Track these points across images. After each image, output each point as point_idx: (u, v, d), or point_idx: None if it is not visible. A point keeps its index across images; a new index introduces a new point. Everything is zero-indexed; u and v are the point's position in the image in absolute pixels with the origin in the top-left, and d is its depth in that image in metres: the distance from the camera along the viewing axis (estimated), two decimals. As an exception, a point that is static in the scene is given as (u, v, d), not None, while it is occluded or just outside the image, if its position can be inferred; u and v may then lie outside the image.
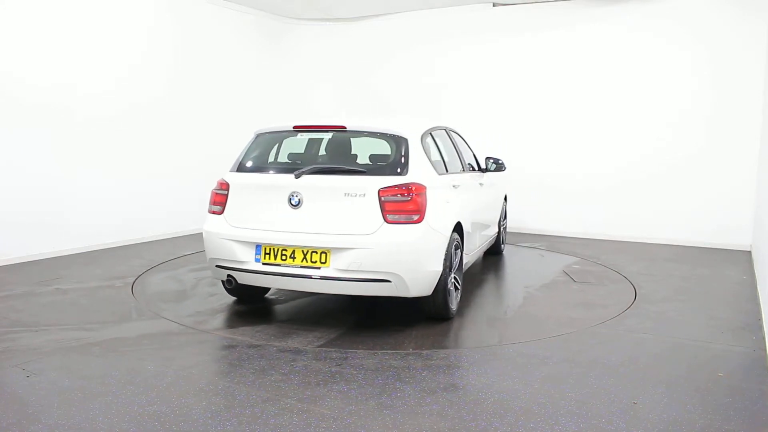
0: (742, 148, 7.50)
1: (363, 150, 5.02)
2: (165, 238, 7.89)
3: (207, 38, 8.56)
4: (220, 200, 4.60)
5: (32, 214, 6.51)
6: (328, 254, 4.17)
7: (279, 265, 4.27)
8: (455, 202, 4.75)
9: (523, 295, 5.53)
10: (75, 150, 6.93)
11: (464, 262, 5.01)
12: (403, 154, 4.42)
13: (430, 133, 5.00)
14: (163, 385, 3.40)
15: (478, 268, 6.51)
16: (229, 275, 4.48)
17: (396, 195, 4.17)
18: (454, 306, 4.64)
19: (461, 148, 5.85)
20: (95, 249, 7.14)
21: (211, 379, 3.48)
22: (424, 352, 3.98)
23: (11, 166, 6.32)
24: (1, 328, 4.33)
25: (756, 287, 5.68)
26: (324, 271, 4.17)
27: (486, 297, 5.48)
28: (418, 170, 4.39)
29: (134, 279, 5.83)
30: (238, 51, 9.10)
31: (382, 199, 4.15)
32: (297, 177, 4.32)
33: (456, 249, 4.67)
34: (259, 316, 4.79)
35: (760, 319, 4.67)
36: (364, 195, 4.17)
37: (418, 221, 4.17)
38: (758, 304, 5.10)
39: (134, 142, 7.57)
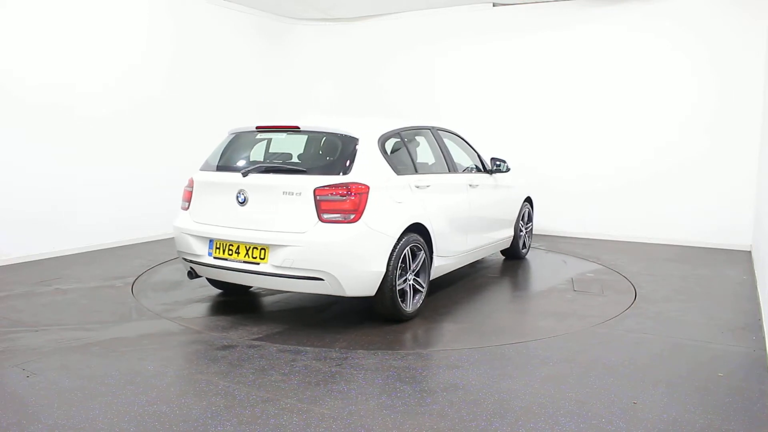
0: (743, 148, 7.50)
1: (321, 149, 5.04)
2: (165, 237, 7.88)
3: (206, 38, 8.56)
4: (187, 197, 4.89)
5: (32, 214, 6.51)
6: (266, 251, 4.28)
7: (226, 259, 4.46)
8: (413, 203, 4.66)
9: (504, 302, 5.39)
10: (75, 150, 6.93)
11: (437, 264, 4.95)
12: (348, 153, 4.45)
13: (399, 134, 4.99)
14: (163, 385, 3.40)
15: (488, 272, 6.41)
16: (190, 267, 4.74)
17: (332, 194, 4.21)
18: (409, 308, 4.57)
19: (454, 149, 5.80)
20: (95, 249, 7.14)
21: (211, 379, 3.48)
22: (424, 352, 3.98)
23: (11, 166, 6.32)
24: (1, 328, 4.33)
25: (756, 287, 5.68)
26: (262, 267, 4.29)
27: (464, 302, 5.26)
28: (365, 170, 4.38)
29: (134, 279, 5.83)
30: (237, 51, 9.10)
31: (318, 198, 4.21)
32: (244, 175, 4.49)
33: (418, 250, 4.63)
34: (225, 308, 4.99)
35: (760, 319, 4.67)
36: (300, 194, 4.26)
37: (354, 221, 4.19)
38: (758, 304, 5.10)
39: (134, 142, 7.57)
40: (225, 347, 4.01)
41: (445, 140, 5.72)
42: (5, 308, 4.80)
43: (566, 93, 8.50)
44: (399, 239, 4.41)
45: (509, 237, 6.60)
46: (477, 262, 6.73)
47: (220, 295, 5.34)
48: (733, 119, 7.56)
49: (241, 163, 4.78)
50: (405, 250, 4.46)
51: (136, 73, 7.58)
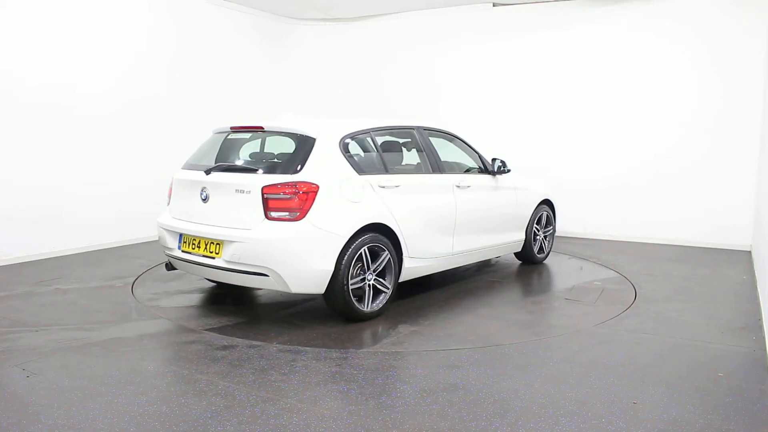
0: (743, 148, 7.50)
1: (281, 149, 5.11)
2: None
3: (206, 38, 8.56)
4: (169, 194, 5.15)
5: (32, 214, 6.52)
6: (220, 246, 4.45)
7: (190, 253, 4.69)
8: (374, 203, 4.62)
9: (481, 307, 5.08)
10: (75, 150, 6.94)
11: (410, 265, 4.90)
12: (303, 153, 4.50)
13: (370, 134, 5.00)
14: (163, 385, 3.40)
15: (490, 275, 6.22)
16: (168, 260, 5.05)
17: (279, 193, 4.29)
18: (367, 308, 4.55)
19: (450, 150, 5.73)
20: (95, 249, 7.15)
21: (211, 379, 3.48)
22: (423, 351, 3.98)
23: (11, 165, 6.33)
24: (1, 328, 4.33)
25: (756, 287, 5.68)
26: (216, 261, 4.48)
27: (439, 304, 5.11)
28: (317, 169, 4.41)
29: (134, 279, 5.83)
30: (237, 51, 9.10)
31: (265, 196, 4.31)
32: (207, 174, 4.70)
33: (381, 251, 4.61)
34: (203, 301, 5.22)
35: (760, 319, 4.68)
36: (250, 192, 4.38)
37: (298, 219, 4.24)
38: (758, 304, 5.10)
39: (134, 142, 7.58)
40: (225, 347, 4.01)
41: (437, 140, 5.63)
42: (5, 308, 4.81)
43: (566, 93, 8.50)
44: (352, 239, 4.41)
45: (519, 240, 6.37)
46: (485, 264, 6.68)
47: (213, 288, 5.56)
48: (734, 119, 7.56)
49: (209, 162, 4.92)
50: (361, 250, 4.46)
51: (136, 73, 7.58)
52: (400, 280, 4.90)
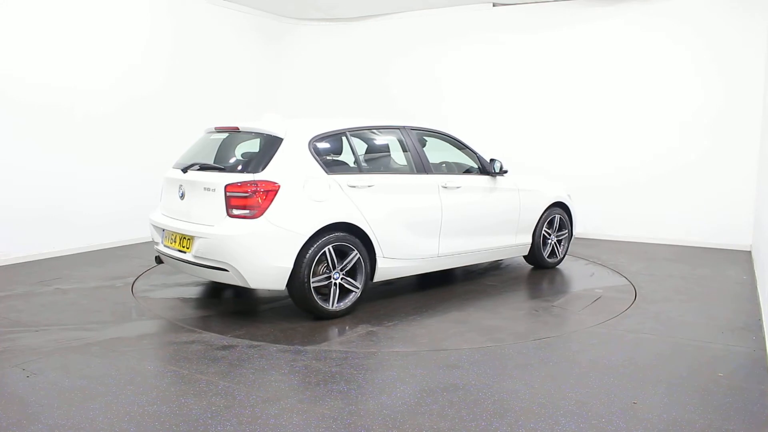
0: (743, 148, 7.50)
1: (251, 148, 5.14)
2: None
3: (206, 38, 8.56)
4: (161, 191, 5.32)
5: (32, 213, 6.52)
6: (191, 241, 4.62)
7: (169, 247, 4.88)
8: (341, 202, 4.62)
9: (456, 311, 4.91)
10: (75, 149, 6.94)
11: (387, 266, 4.89)
12: (269, 153, 4.60)
13: (346, 134, 5.00)
14: (163, 385, 3.41)
15: (489, 279, 6.07)
16: (157, 254, 5.20)
17: (239, 191, 4.41)
18: (332, 306, 4.57)
19: (442, 151, 5.71)
20: (95, 249, 7.15)
21: (211, 379, 3.48)
22: (423, 351, 3.98)
23: (11, 165, 6.33)
24: (1, 328, 4.33)
25: (756, 287, 5.68)
26: (187, 256, 4.66)
27: (413, 305, 5.03)
28: (280, 169, 4.50)
29: (134, 279, 5.83)
30: (237, 51, 9.10)
31: (227, 194, 4.44)
32: (184, 172, 4.90)
33: (349, 250, 4.62)
34: (194, 296, 5.39)
35: (760, 319, 4.68)
36: (215, 190, 4.52)
37: (257, 216, 4.34)
38: (758, 304, 5.10)
39: (134, 142, 7.58)
40: (225, 347, 4.01)
41: (433, 141, 5.60)
42: (5, 308, 4.81)
43: (566, 93, 8.50)
44: (313, 237, 4.44)
45: (523, 244, 6.13)
46: (493, 267, 6.60)
47: (212, 283, 5.62)
48: (734, 119, 7.56)
49: (190, 161, 5.01)
50: (325, 249, 4.49)
51: (136, 73, 7.58)
52: (375, 280, 4.91)
